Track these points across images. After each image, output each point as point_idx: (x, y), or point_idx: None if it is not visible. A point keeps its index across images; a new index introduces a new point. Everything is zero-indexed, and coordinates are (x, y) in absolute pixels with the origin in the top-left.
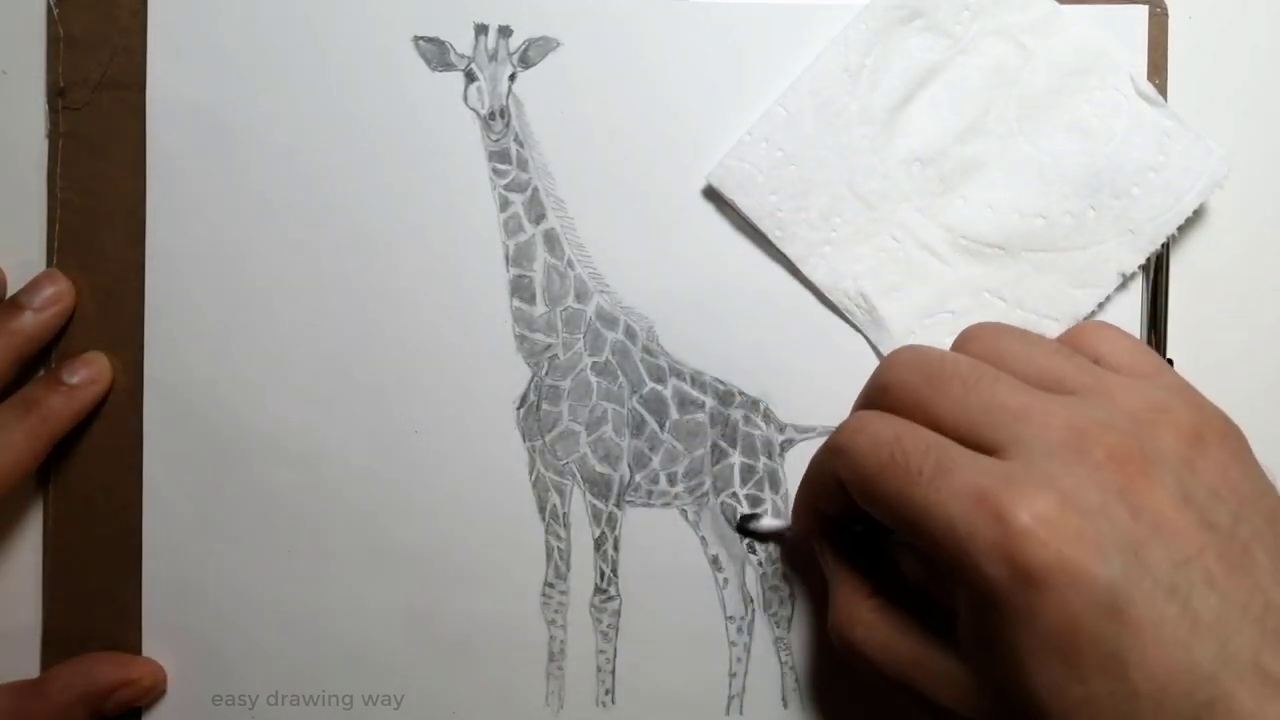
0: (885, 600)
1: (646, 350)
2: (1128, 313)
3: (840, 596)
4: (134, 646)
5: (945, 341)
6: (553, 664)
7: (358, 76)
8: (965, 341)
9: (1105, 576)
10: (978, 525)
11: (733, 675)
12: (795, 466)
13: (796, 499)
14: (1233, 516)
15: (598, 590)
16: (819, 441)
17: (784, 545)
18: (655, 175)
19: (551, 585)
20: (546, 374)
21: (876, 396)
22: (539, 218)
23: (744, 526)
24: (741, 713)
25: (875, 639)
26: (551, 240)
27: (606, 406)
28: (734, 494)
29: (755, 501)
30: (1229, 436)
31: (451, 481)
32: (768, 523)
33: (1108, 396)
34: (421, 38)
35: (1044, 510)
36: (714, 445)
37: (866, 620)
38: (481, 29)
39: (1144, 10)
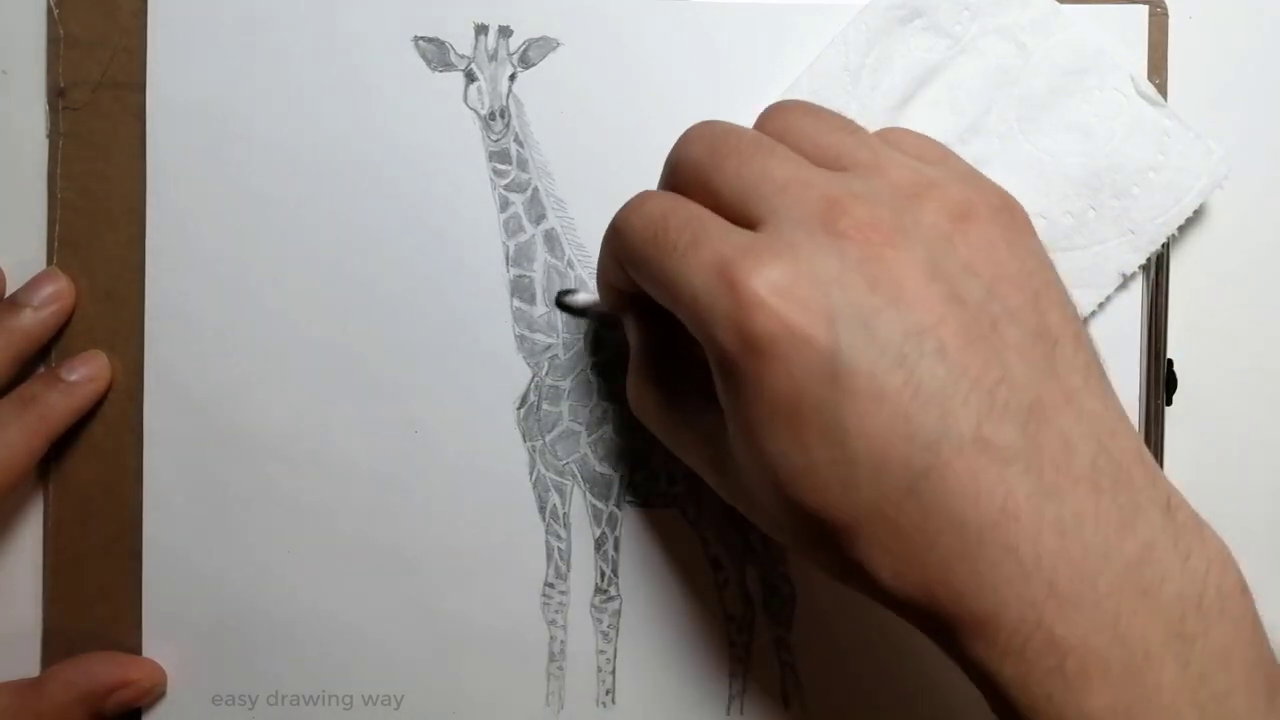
0: (671, 368)
1: None
2: (1128, 313)
3: (633, 363)
4: (134, 646)
5: None
6: (553, 664)
7: (358, 76)
8: (762, 119)
9: (827, 344)
10: (715, 295)
11: (733, 675)
12: None
13: (597, 276)
14: (985, 292)
15: (598, 590)
16: None
17: (598, 320)
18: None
19: (551, 585)
20: (547, 374)
21: (668, 173)
22: (539, 218)
23: (560, 301)
24: (741, 713)
25: (653, 404)
26: (552, 240)
27: (607, 406)
28: None
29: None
30: (1002, 213)
31: (451, 481)
32: (582, 297)
33: (879, 172)
34: (421, 38)
35: (776, 279)
36: None
37: (641, 388)
38: (481, 29)
39: (1144, 10)
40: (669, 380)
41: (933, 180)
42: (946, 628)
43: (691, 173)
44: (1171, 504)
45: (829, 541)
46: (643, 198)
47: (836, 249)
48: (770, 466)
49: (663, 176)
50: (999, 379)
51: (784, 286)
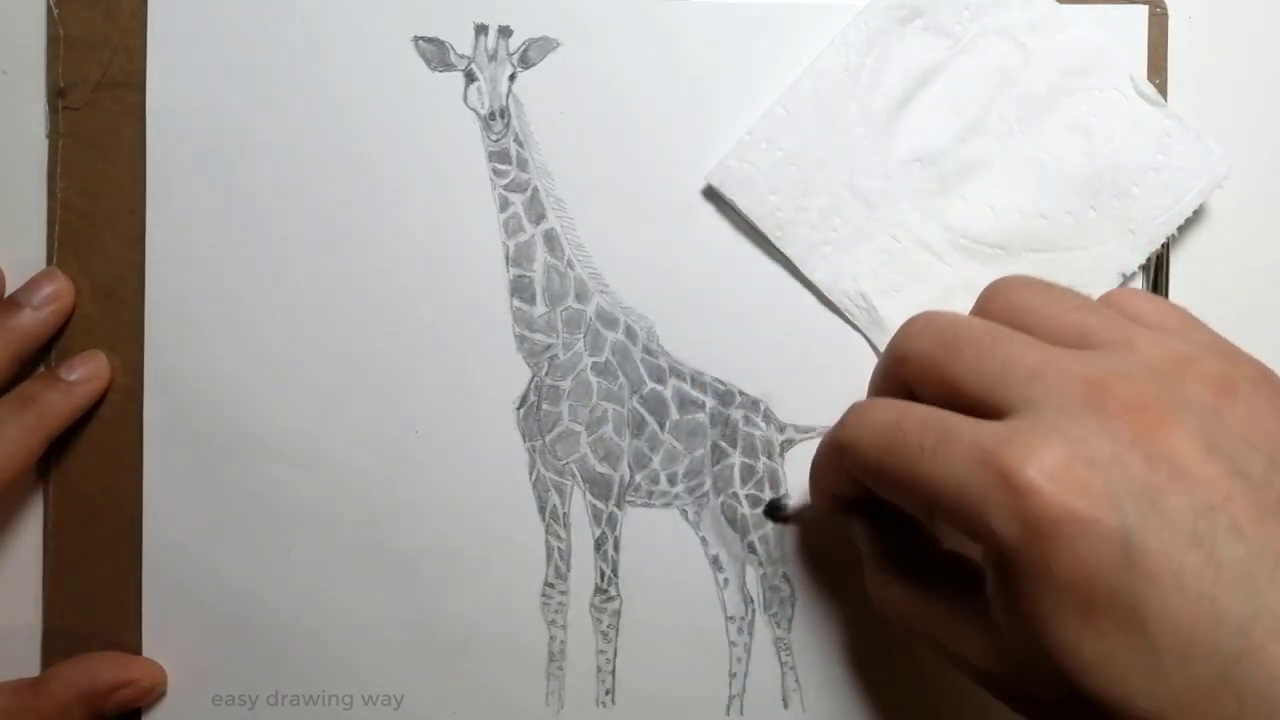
0: (911, 563)
1: (646, 350)
2: None
3: (870, 563)
4: (134, 646)
5: None
6: (553, 664)
7: (358, 77)
8: (987, 300)
9: (1117, 526)
10: (985, 486)
11: (733, 675)
12: (795, 466)
13: (811, 487)
14: (1267, 465)
15: (598, 590)
16: (819, 442)
17: (805, 524)
18: (655, 175)
19: (551, 585)
20: (546, 374)
21: (894, 368)
22: (539, 218)
23: (771, 514)
24: (741, 713)
25: (902, 601)
26: (551, 240)
27: (607, 406)
28: (734, 494)
29: (755, 501)
30: (1264, 384)
31: (451, 481)
32: (794, 505)
33: (1131, 349)
34: (421, 38)
35: (1049, 463)
36: (714, 445)
37: (894, 583)
38: (481, 29)
39: (1144, 10)
40: (914, 575)
41: (1188, 355)
42: None
43: (924, 367)
44: None
45: None
46: (864, 409)
47: (1108, 430)
48: (1061, 658)
49: (880, 372)
50: None
51: (1059, 470)
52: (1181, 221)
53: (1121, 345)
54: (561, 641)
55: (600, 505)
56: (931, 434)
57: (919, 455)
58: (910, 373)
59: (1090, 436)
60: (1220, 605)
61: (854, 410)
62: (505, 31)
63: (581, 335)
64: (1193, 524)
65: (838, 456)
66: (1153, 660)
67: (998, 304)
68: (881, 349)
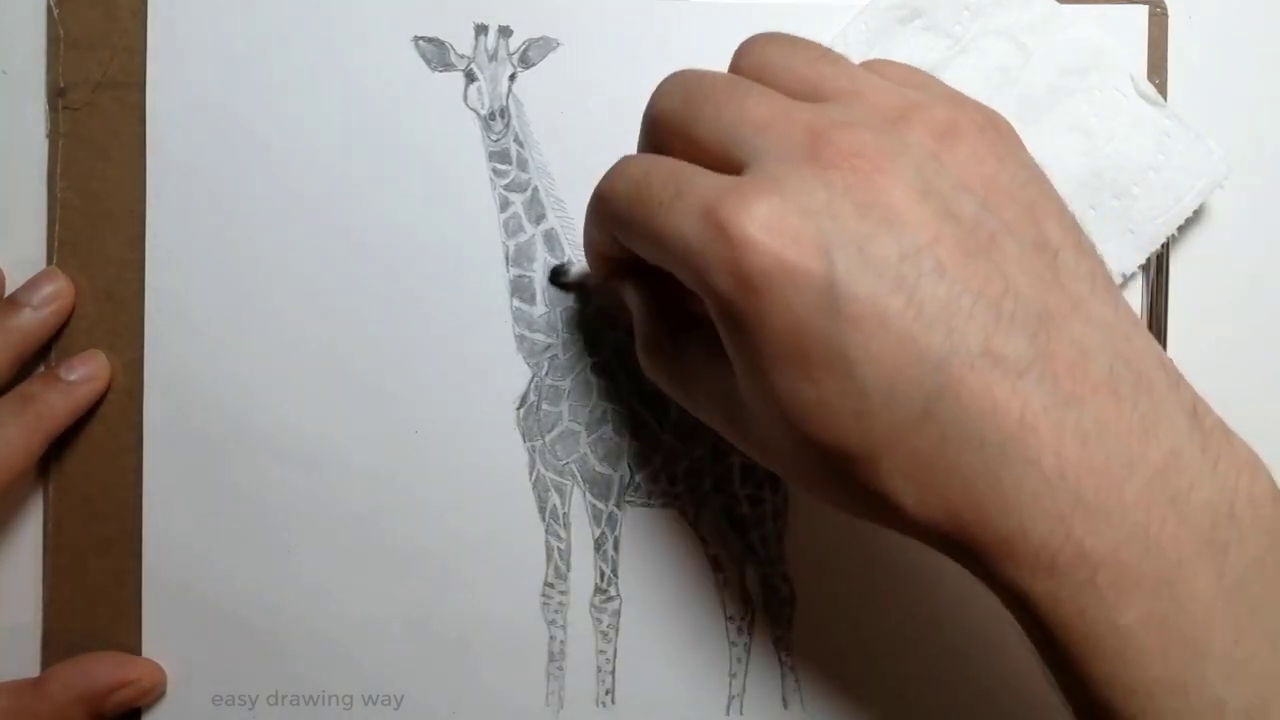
0: (671, 330)
1: None
2: None
3: (636, 331)
4: (134, 646)
5: None
6: (553, 664)
7: (358, 76)
8: (738, 57)
9: (824, 274)
10: (705, 241)
11: (733, 675)
12: None
13: (584, 249)
14: (979, 206)
15: (598, 590)
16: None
17: (593, 294)
18: None
19: (551, 585)
20: (546, 374)
21: (645, 131)
22: (539, 218)
23: (555, 278)
24: (741, 713)
25: (658, 368)
26: (552, 240)
27: (607, 406)
28: (734, 494)
29: (755, 501)
30: (988, 129)
31: (451, 481)
32: (576, 271)
33: (860, 99)
34: (421, 38)
35: (764, 216)
36: (714, 445)
37: (650, 353)
38: (481, 29)
39: (1144, 10)
40: (675, 341)
41: (916, 102)
42: (975, 551)
43: (669, 126)
44: (1197, 410)
45: (848, 476)
46: (623, 162)
47: (823, 180)
48: (781, 406)
49: (641, 136)
50: (1002, 291)
51: (773, 222)
52: (1181, 221)
53: (851, 96)
54: (561, 641)
55: (600, 505)
56: (670, 187)
57: (658, 208)
58: (659, 131)
59: (806, 187)
60: (920, 343)
61: (615, 164)
62: (505, 31)
63: (582, 335)
64: (897, 267)
65: (597, 209)
66: (861, 403)
67: (746, 61)
68: None
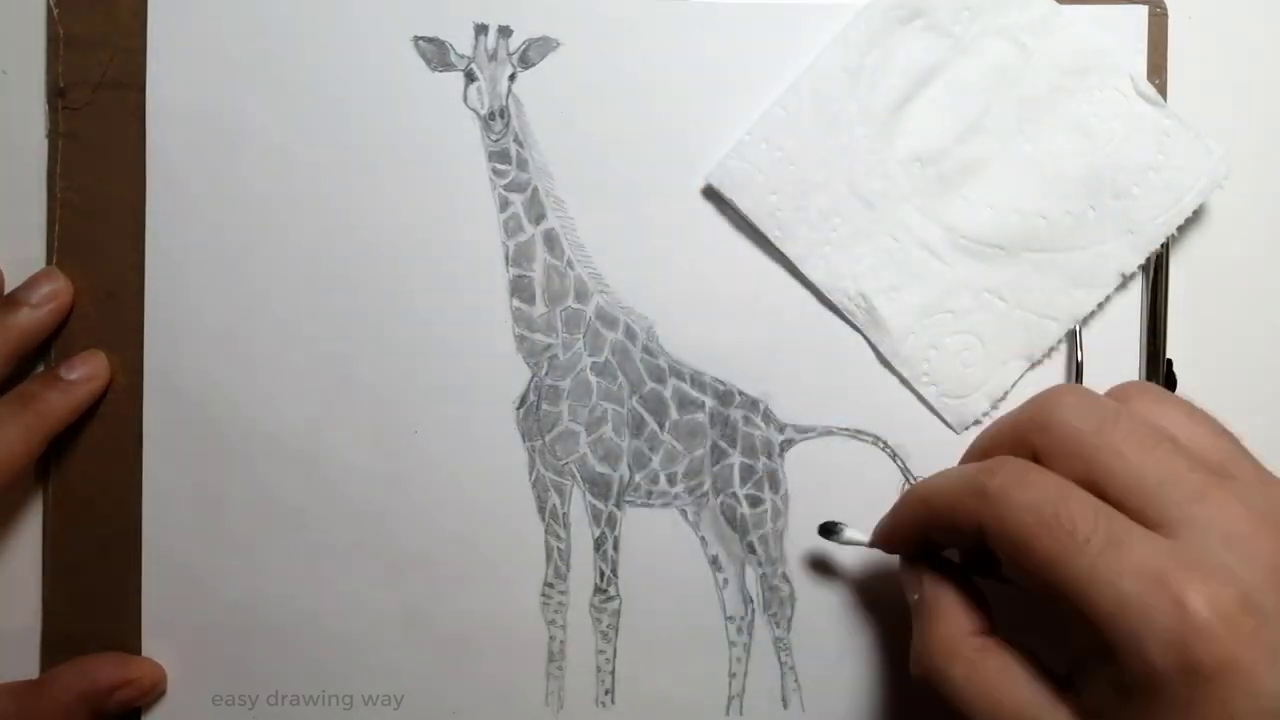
0: (994, 640)
1: (646, 350)
2: (1128, 313)
3: (940, 627)
4: (134, 646)
5: (947, 340)
6: (553, 664)
7: (358, 76)
8: (1125, 398)
9: (1272, 685)
10: (1152, 608)
11: (733, 675)
12: (795, 466)
13: (896, 518)
14: None
15: (598, 590)
16: (819, 442)
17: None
18: (655, 175)
19: (551, 585)
20: (546, 374)
21: (1031, 433)
22: (539, 218)
23: (826, 533)
24: (741, 713)
25: (976, 680)
26: (551, 240)
27: (606, 406)
28: (734, 494)
29: (755, 501)
30: None
31: (451, 481)
32: (851, 534)
33: (1270, 489)
34: (421, 38)
35: (1224, 605)
36: (714, 445)
37: (969, 658)
38: (481, 29)
39: (1144, 10)
40: (1005, 653)
41: None
42: None
43: (1072, 445)
44: None
45: None
46: (1022, 470)
47: (1273, 582)
48: None
49: (1007, 430)
50: None
51: (1231, 614)
52: (1181, 221)
53: (1260, 483)
54: (561, 641)
55: (600, 505)
56: (1102, 529)
57: (1081, 548)
58: (1049, 443)
59: (1259, 585)
60: None
61: (1011, 467)
62: (505, 31)
63: (581, 335)
64: None
65: (979, 505)
66: None
67: (1138, 406)
68: (881, 349)
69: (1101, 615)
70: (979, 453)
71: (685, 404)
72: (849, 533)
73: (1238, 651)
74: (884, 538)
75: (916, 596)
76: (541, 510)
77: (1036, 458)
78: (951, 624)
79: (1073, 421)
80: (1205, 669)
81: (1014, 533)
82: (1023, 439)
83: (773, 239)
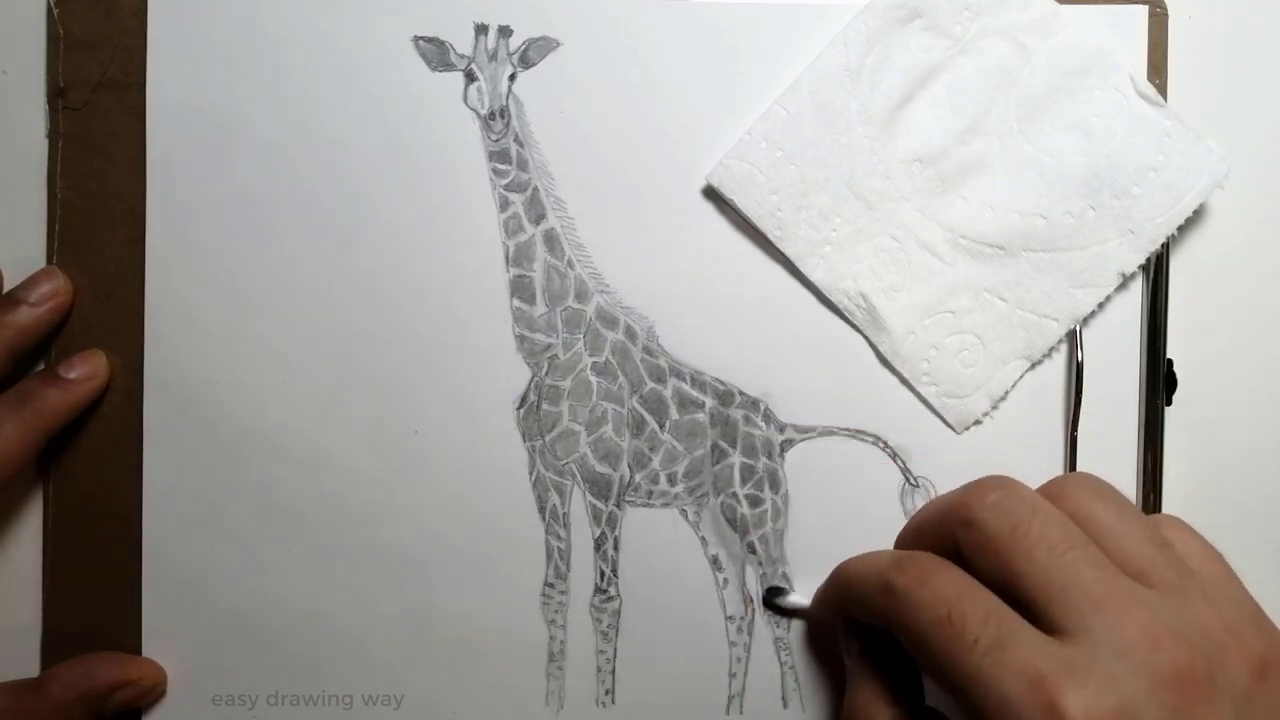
0: (905, 712)
1: (646, 350)
2: (1128, 313)
3: (861, 695)
4: (134, 646)
5: (947, 340)
6: (553, 664)
7: (358, 76)
8: (1059, 494)
9: None
10: (1029, 709)
11: (733, 675)
12: (795, 466)
13: (826, 593)
14: None
15: (598, 590)
16: (819, 441)
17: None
18: (655, 175)
19: (551, 585)
20: (546, 374)
21: (954, 526)
22: (539, 218)
23: (769, 600)
24: (741, 713)
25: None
26: (551, 240)
27: (606, 406)
28: (734, 494)
29: (755, 501)
30: None
31: (451, 481)
32: (793, 600)
33: (1187, 603)
34: (421, 38)
35: (1098, 712)
36: (714, 445)
37: (881, 710)
38: (481, 29)
39: (1144, 10)
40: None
41: (1237, 627)
42: None
43: (989, 543)
44: None
45: None
46: (928, 569)
47: (1156, 695)
48: None
49: (934, 518)
50: None
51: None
52: (1181, 221)
53: (1181, 596)
54: (561, 641)
55: (600, 505)
56: (991, 628)
57: (970, 647)
58: (970, 539)
59: (1140, 697)
60: None
61: (918, 565)
62: (505, 31)
63: (581, 335)
64: None
65: (884, 598)
66: None
67: (1068, 504)
68: (881, 349)
69: (985, 714)
70: (910, 535)
71: (685, 404)
72: (792, 598)
73: None
74: (819, 608)
75: (849, 662)
76: (542, 510)
77: (956, 551)
78: (870, 692)
79: (991, 521)
80: None
81: (912, 630)
82: (948, 531)
83: (773, 239)
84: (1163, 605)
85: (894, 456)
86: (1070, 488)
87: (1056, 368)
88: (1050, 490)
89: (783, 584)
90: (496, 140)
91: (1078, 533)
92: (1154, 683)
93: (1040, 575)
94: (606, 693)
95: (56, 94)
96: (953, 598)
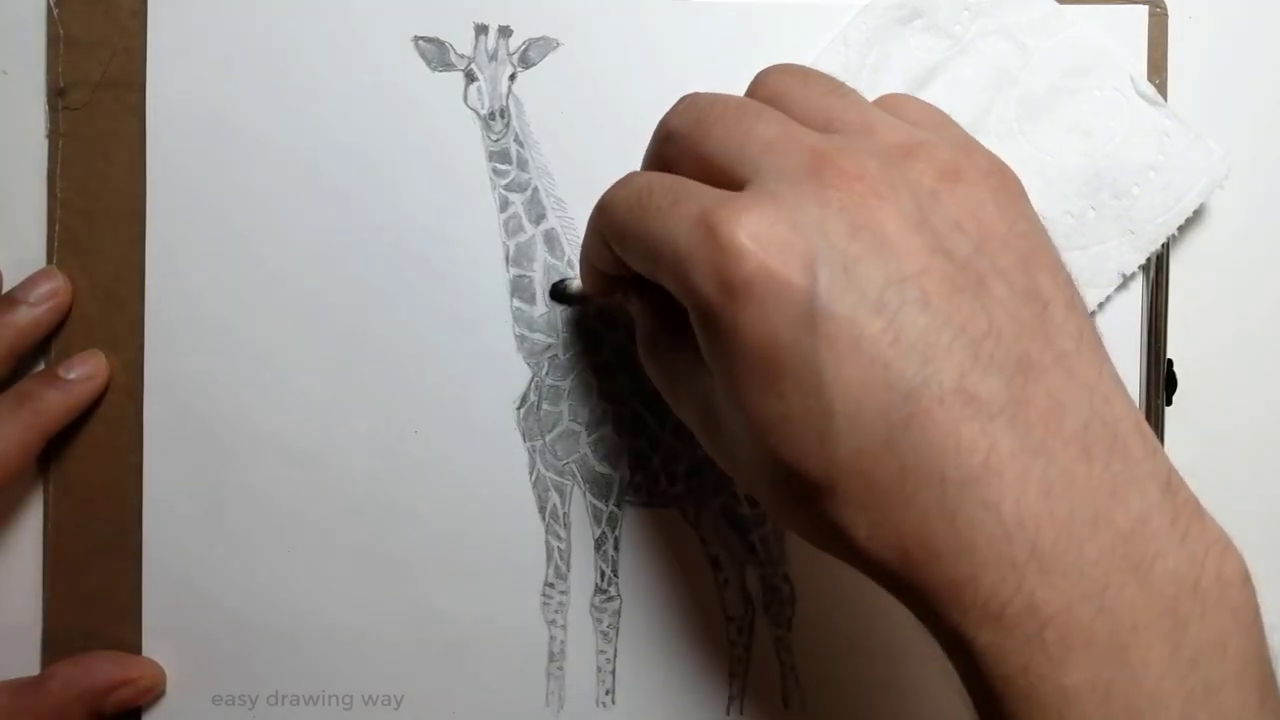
0: (667, 338)
1: None
2: (1128, 313)
3: (637, 337)
4: (134, 646)
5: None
6: (553, 664)
7: (358, 76)
8: (753, 85)
9: (805, 288)
10: (695, 244)
11: (733, 675)
12: None
13: (580, 262)
14: (972, 248)
15: (598, 590)
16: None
17: (590, 306)
18: None
19: (551, 585)
20: (546, 374)
21: (659, 145)
22: (539, 218)
23: (555, 292)
24: (741, 713)
25: (653, 373)
26: (552, 240)
27: (607, 406)
28: (734, 494)
29: (756, 501)
30: (992, 176)
31: (451, 481)
32: (576, 284)
33: (868, 132)
34: (421, 38)
35: (754, 225)
36: None
37: (646, 358)
38: (481, 29)
39: (1144, 10)
40: (673, 340)
41: (923, 141)
42: (922, 593)
43: (679, 144)
44: (1171, 482)
45: (806, 500)
46: (628, 176)
47: (820, 197)
48: (748, 418)
49: (649, 154)
50: (984, 332)
51: (762, 231)
52: (1181, 221)
53: (860, 130)
54: (561, 641)
55: (600, 505)
56: (670, 196)
57: (656, 213)
58: (671, 149)
59: (801, 202)
60: (893, 371)
61: (623, 177)
62: (505, 31)
63: (582, 335)
64: (881, 291)
65: (597, 218)
66: (825, 424)
67: (761, 90)
68: None
69: (664, 266)
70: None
71: None
72: (575, 283)
73: (769, 263)
74: (584, 277)
75: (632, 311)
76: (542, 510)
77: (674, 170)
78: (641, 327)
79: (679, 121)
80: (738, 285)
81: (613, 226)
82: (658, 156)
83: None
84: (839, 138)
85: None
86: (763, 76)
87: None
88: (749, 87)
89: (782, 583)
90: (496, 140)
91: (756, 104)
92: (817, 187)
93: (720, 147)
94: (607, 693)
95: (56, 94)
96: (642, 185)
